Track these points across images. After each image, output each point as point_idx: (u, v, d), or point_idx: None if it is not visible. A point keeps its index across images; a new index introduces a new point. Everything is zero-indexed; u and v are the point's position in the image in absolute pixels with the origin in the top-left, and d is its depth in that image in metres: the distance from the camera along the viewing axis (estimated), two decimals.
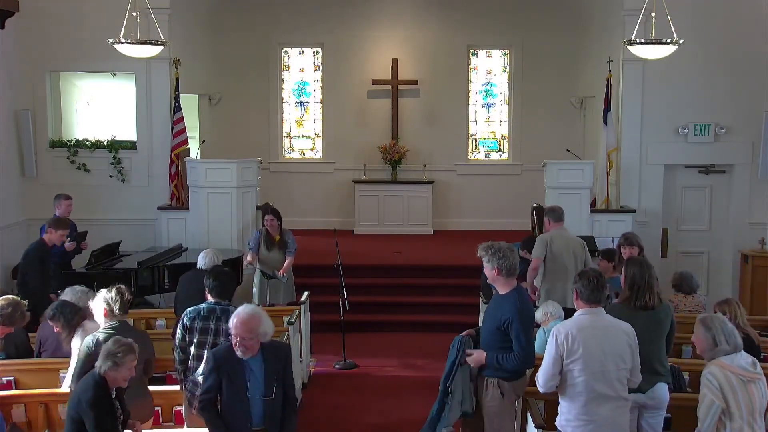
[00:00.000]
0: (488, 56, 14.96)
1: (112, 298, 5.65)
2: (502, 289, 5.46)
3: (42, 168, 11.27)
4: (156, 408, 5.78)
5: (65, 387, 5.89)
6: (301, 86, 15.00)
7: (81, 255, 9.27)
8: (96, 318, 5.74)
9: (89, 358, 5.20)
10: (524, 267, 7.58)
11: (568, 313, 6.38)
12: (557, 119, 14.41)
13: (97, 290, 5.87)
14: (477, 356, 5.45)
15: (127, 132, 11.69)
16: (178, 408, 5.86)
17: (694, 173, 11.49)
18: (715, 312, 6.43)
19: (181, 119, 11.29)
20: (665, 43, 9.22)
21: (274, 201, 11.45)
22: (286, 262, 9.18)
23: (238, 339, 4.71)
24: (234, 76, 14.34)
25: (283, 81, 14.93)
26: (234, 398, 4.79)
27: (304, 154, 15.13)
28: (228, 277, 5.76)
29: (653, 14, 9.11)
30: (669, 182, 11.41)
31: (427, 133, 14.58)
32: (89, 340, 5.47)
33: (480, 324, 6.09)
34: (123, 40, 9.26)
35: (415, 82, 14.51)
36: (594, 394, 4.80)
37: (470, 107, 14.96)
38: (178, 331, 5.63)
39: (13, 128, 10.95)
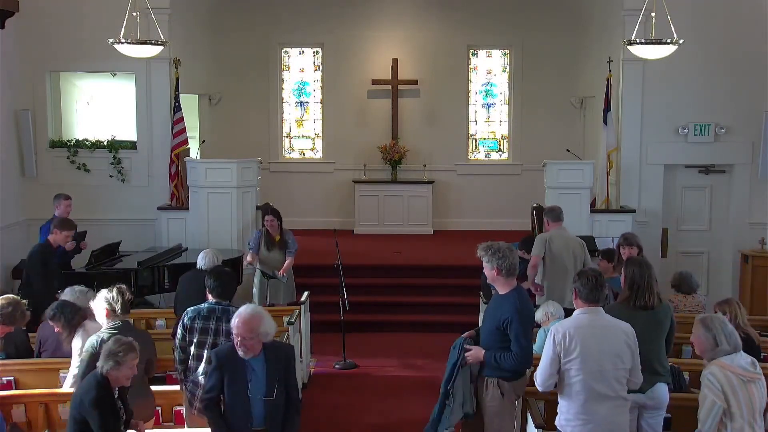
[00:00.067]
0: (488, 56, 14.96)
1: (113, 298, 5.66)
2: (501, 289, 5.46)
3: (42, 168, 11.27)
4: (156, 408, 5.78)
5: (67, 387, 5.89)
6: (301, 86, 15.00)
7: (81, 255, 9.27)
8: (97, 318, 5.75)
9: (93, 359, 5.20)
10: (523, 267, 7.59)
11: (568, 313, 6.38)
12: (557, 119, 14.41)
13: (97, 290, 5.88)
14: (475, 352, 5.45)
15: (127, 132, 11.70)
16: (178, 408, 5.86)
17: (694, 173, 11.50)
18: (716, 312, 6.43)
19: (181, 119, 11.29)
20: (665, 43, 9.22)
21: (274, 201, 11.45)
22: (287, 262, 9.18)
23: (239, 338, 4.71)
24: (234, 76, 14.34)
25: (283, 81, 14.93)
26: (235, 398, 4.79)
27: (304, 154, 15.13)
28: (229, 277, 5.77)
29: (653, 14, 9.11)
30: (669, 182, 11.41)
31: (427, 133, 14.58)
32: (93, 339, 5.48)
33: (480, 324, 6.10)
34: (123, 40, 9.26)
35: (415, 82, 14.52)
36: (592, 393, 4.80)
37: (470, 107, 14.96)
38: (179, 331, 5.63)
39: (13, 128, 10.96)
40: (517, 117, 14.80)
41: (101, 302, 5.67)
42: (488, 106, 15.03)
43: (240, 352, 4.74)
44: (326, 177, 14.67)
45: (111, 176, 11.32)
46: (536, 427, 5.29)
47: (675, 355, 6.77)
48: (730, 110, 11.12)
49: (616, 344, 4.84)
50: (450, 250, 12.56)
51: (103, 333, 5.51)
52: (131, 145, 11.44)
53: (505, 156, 15.04)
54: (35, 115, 11.20)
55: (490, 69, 14.97)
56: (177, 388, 5.89)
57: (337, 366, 9.07)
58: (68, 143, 11.41)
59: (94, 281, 8.01)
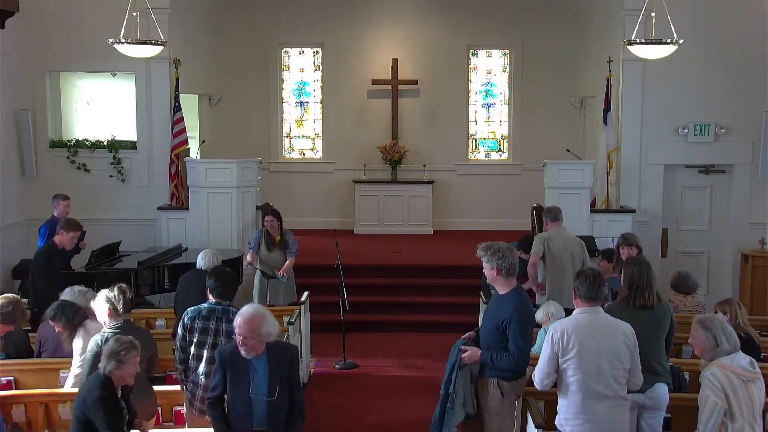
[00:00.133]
0: (488, 56, 14.96)
1: (115, 297, 5.66)
2: (501, 289, 5.46)
3: (42, 168, 11.27)
4: (157, 408, 5.78)
5: (68, 387, 5.90)
6: (301, 86, 15.00)
7: (81, 255, 9.26)
8: (99, 318, 5.74)
9: (97, 358, 5.21)
10: (522, 267, 7.59)
11: (568, 313, 6.37)
12: (557, 119, 14.41)
13: (97, 290, 5.88)
14: (471, 353, 5.46)
15: (127, 132, 11.70)
16: (178, 408, 5.86)
17: (694, 173, 11.50)
18: (716, 312, 6.45)
19: (181, 119, 11.29)
20: (665, 43, 9.22)
21: (274, 201, 11.45)
22: (287, 262, 9.17)
23: (241, 338, 4.71)
24: (234, 76, 14.34)
25: (283, 81, 14.93)
26: (236, 397, 4.79)
27: (304, 154, 15.13)
28: (229, 277, 5.76)
29: (653, 14, 9.11)
30: (669, 182, 11.41)
31: (427, 133, 14.58)
32: (97, 339, 5.49)
33: (480, 324, 6.10)
34: (123, 40, 9.26)
35: (415, 82, 14.52)
36: (590, 392, 4.80)
37: (470, 107, 14.96)
38: (179, 330, 5.63)
39: (13, 128, 10.96)
40: (517, 117, 14.79)
41: (103, 302, 5.66)
42: (488, 106, 15.03)
43: (242, 352, 4.74)
44: (326, 177, 14.67)
45: (111, 176, 11.32)
46: (536, 427, 5.29)
47: (675, 355, 6.77)
48: (730, 110, 11.12)
49: (614, 344, 4.84)
50: (450, 250, 12.56)
51: (106, 332, 5.51)
52: (131, 145, 11.44)
53: (505, 156, 15.04)
54: (35, 115, 11.20)
55: (490, 69, 14.97)
56: (177, 388, 5.88)
57: (337, 366, 9.07)
58: (68, 143, 11.41)
59: (94, 281, 8.01)
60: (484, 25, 14.46)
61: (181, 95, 11.39)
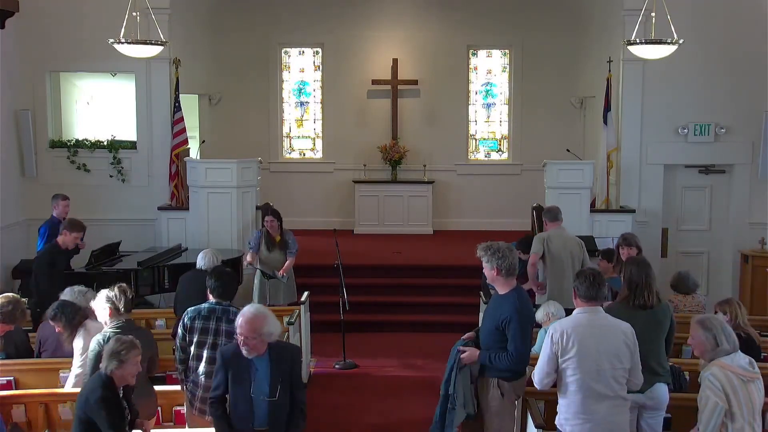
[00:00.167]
0: (488, 56, 14.96)
1: (116, 297, 5.67)
2: (501, 289, 5.46)
3: (42, 168, 11.27)
4: (157, 407, 5.78)
5: (69, 387, 5.90)
6: (301, 86, 15.00)
7: (81, 255, 9.26)
8: (100, 318, 5.74)
9: (100, 358, 5.21)
10: (522, 267, 7.59)
11: (569, 313, 6.38)
12: (557, 119, 14.41)
13: (97, 290, 5.88)
14: (470, 353, 5.47)
15: (127, 132, 11.70)
16: (179, 408, 5.86)
17: (694, 173, 11.50)
18: (716, 312, 6.45)
19: (181, 119, 11.29)
20: (665, 43, 9.22)
21: (274, 201, 11.45)
22: (287, 262, 9.16)
23: (242, 338, 4.71)
24: (234, 76, 14.34)
25: (283, 81, 14.93)
26: (238, 397, 4.79)
27: (304, 154, 15.13)
28: (230, 277, 5.76)
29: (653, 14, 9.11)
30: (669, 182, 11.41)
31: (427, 133, 14.58)
32: (99, 338, 5.49)
33: (480, 324, 6.10)
34: (123, 40, 9.27)
35: (415, 82, 14.52)
36: (590, 392, 4.80)
37: (470, 107, 14.96)
38: (179, 330, 5.63)
39: (13, 128, 10.96)
40: (517, 117, 14.79)
41: (104, 302, 5.67)
42: (488, 106, 15.03)
43: (244, 351, 4.74)
44: (326, 177, 14.67)
45: (111, 176, 11.32)
46: (536, 427, 5.29)
47: (675, 355, 6.77)
48: (730, 110, 11.13)
49: (614, 344, 4.84)
50: (450, 250, 12.56)
51: (108, 332, 5.52)
52: (131, 145, 11.44)
53: (505, 156, 15.04)
54: (35, 115, 11.20)
55: (490, 69, 14.97)
56: (177, 388, 5.89)
57: (337, 366, 9.07)
58: (68, 143, 11.41)
59: (94, 281, 8.01)
60: (484, 25, 14.46)
61: (181, 95, 11.39)
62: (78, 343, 5.91)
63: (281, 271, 9.03)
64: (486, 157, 15.11)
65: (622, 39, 10.36)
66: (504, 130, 15.03)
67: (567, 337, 4.82)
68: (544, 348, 4.95)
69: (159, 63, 10.97)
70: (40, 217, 9.73)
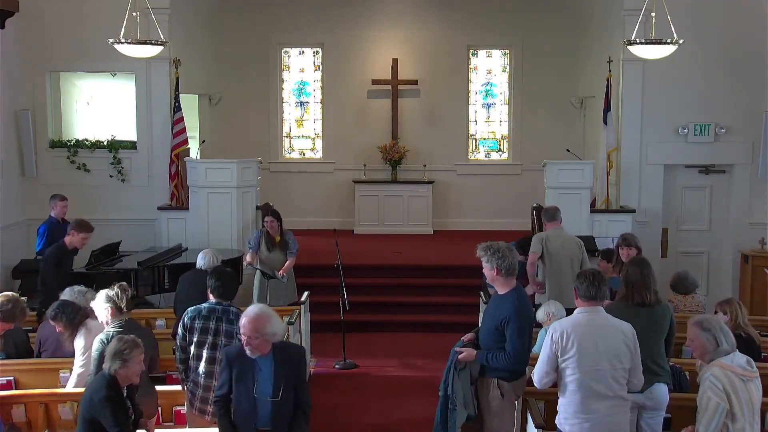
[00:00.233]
0: (488, 56, 14.96)
1: (117, 296, 5.68)
2: (501, 289, 5.46)
3: (42, 168, 11.28)
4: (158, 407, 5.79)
5: (70, 386, 5.91)
6: (301, 86, 15.00)
7: (81, 255, 9.25)
8: (101, 318, 5.74)
9: (104, 357, 5.22)
10: (521, 268, 7.59)
11: (569, 313, 6.38)
12: (557, 119, 14.41)
13: (97, 290, 5.88)
14: (467, 353, 5.47)
15: (127, 132, 11.70)
16: (179, 408, 5.86)
17: (694, 173, 11.50)
18: (716, 312, 6.45)
19: (181, 119, 11.29)
20: (665, 43, 9.22)
21: (274, 201, 11.45)
22: (287, 262, 9.15)
23: (245, 338, 4.71)
24: (234, 76, 14.34)
25: (283, 81, 14.92)
26: (241, 396, 4.80)
27: (304, 154, 15.13)
28: (230, 277, 5.76)
29: (653, 14, 9.12)
30: (669, 182, 11.41)
31: (427, 133, 14.58)
32: (102, 338, 5.50)
33: (480, 324, 6.10)
34: (123, 40, 9.27)
35: (415, 82, 14.52)
36: (589, 392, 4.80)
37: (470, 107, 14.96)
38: (179, 330, 5.63)
39: (13, 128, 10.96)
40: (517, 117, 14.79)
41: (104, 302, 5.67)
42: (488, 106, 15.03)
43: (247, 351, 4.74)
44: (326, 177, 14.67)
45: (111, 176, 11.32)
46: (536, 427, 5.29)
47: (675, 355, 6.76)
48: (730, 110, 11.13)
49: (613, 343, 4.84)
50: (450, 250, 12.55)
51: (110, 331, 5.53)
52: (131, 145, 11.44)
53: (505, 156, 15.04)
54: (35, 115, 11.20)
55: (490, 69, 14.96)
56: (177, 388, 5.89)
57: (337, 366, 9.07)
58: (68, 143, 11.41)
59: (94, 281, 8.01)
60: (484, 25, 14.46)
61: (181, 95, 11.39)
62: (79, 343, 5.91)
63: (281, 271, 9.03)
64: (486, 157, 15.11)
65: (622, 39, 10.36)
66: (504, 130, 15.03)
67: (567, 337, 4.82)
68: (544, 347, 4.95)
69: (159, 63, 10.97)
70: (40, 217, 9.73)
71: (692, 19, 10.57)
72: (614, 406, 4.84)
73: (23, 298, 6.60)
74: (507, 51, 14.85)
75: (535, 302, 7.97)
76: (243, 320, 4.74)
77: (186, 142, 11.42)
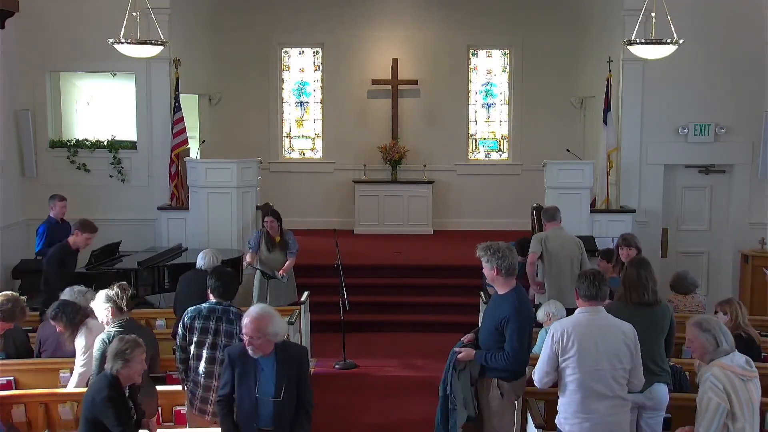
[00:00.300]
0: (488, 56, 14.96)
1: (117, 295, 5.69)
2: (501, 289, 5.46)
3: (42, 168, 11.27)
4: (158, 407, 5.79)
5: (72, 386, 5.91)
6: (301, 86, 15.00)
7: (81, 255, 9.24)
8: (101, 319, 5.74)
9: (105, 357, 5.22)
10: (520, 269, 7.59)
11: (569, 313, 6.38)
12: (557, 119, 14.41)
13: (97, 291, 5.88)
14: (466, 352, 5.47)
15: (127, 132, 11.70)
16: (179, 408, 5.86)
17: (694, 173, 11.50)
18: (716, 312, 6.45)
19: (181, 119, 11.29)
20: (665, 43, 9.22)
21: (274, 201, 11.45)
22: (287, 262, 9.15)
23: (247, 338, 4.71)
24: (234, 76, 14.34)
25: (283, 81, 14.92)
26: (243, 396, 4.80)
27: (304, 154, 15.12)
28: (230, 277, 5.77)
29: (653, 14, 9.12)
30: (669, 182, 11.41)
31: (427, 133, 14.58)
32: (103, 337, 5.50)
33: (480, 324, 6.10)
34: (123, 40, 9.27)
35: (415, 82, 14.51)
36: (589, 392, 4.80)
37: (470, 107, 14.96)
38: (179, 330, 5.64)
39: (13, 128, 10.96)
40: (517, 117, 14.79)
41: (105, 302, 5.67)
42: (488, 106, 15.03)
43: (249, 351, 4.74)
44: (326, 177, 14.67)
45: (111, 176, 11.32)
46: (536, 427, 5.29)
47: (675, 355, 6.75)
48: (730, 110, 11.13)
49: (614, 344, 4.84)
50: (450, 250, 12.55)
51: (112, 331, 5.53)
52: (131, 145, 11.44)
53: (505, 156, 15.04)
54: (35, 115, 11.20)
55: (490, 69, 14.96)
56: (177, 388, 5.89)
57: (337, 366, 9.07)
58: (68, 143, 11.41)
59: (93, 281, 8.01)
60: (484, 25, 14.46)
61: (181, 95, 11.39)
62: (80, 342, 5.92)
63: (281, 272, 9.02)
64: (486, 157, 15.11)
65: (622, 39, 10.36)
66: (504, 130, 15.03)
67: (567, 337, 4.83)
68: (544, 347, 4.96)
69: (159, 63, 10.97)
70: (40, 217, 9.72)
71: (692, 19, 10.57)
72: (614, 406, 4.84)
73: (23, 297, 6.60)
74: (507, 51, 14.85)
75: (535, 302, 7.97)
76: (245, 320, 4.74)
77: (186, 142, 11.42)
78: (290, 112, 15.04)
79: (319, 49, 14.78)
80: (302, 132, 15.10)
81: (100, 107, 12.73)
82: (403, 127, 14.52)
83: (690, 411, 5.03)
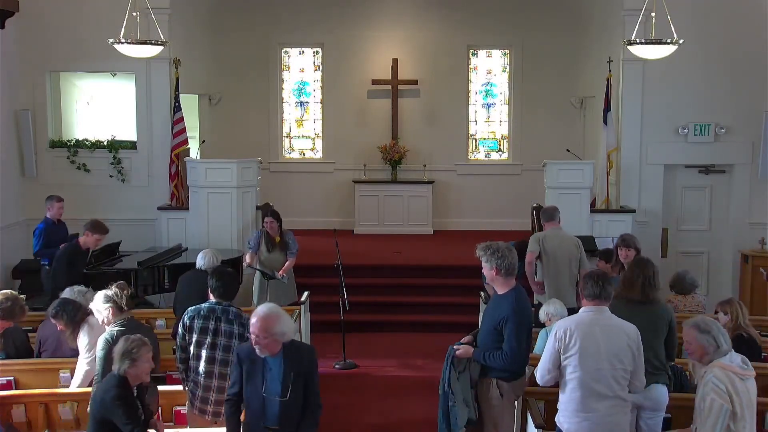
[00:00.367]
0: (488, 56, 14.96)
1: (117, 295, 5.69)
2: (500, 289, 5.46)
3: (42, 168, 11.28)
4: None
5: (75, 385, 5.91)
6: (301, 86, 15.00)
7: None
8: (101, 319, 5.73)
9: (109, 357, 5.22)
10: (521, 269, 7.58)
11: (568, 313, 6.39)
12: (557, 119, 14.41)
13: (96, 291, 5.88)
14: (464, 350, 5.48)
15: (127, 132, 11.70)
16: (179, 408, 5.86)
17: (694, 173, 11.50)
18: (716, 312, 6.46)
19: (181, 119, 11.29)
20: (665, 43, 9.22)
21: (274, 201, 11.45)
22: (287, 262, 9.14)
23: (254, 337, 4.71)
24: (234, 76, 14.34)
25: (283, 81, 14.92)
26: (250, 394, 4.81)
27: (304, 154, 15.12)
28: (231, 278, 5.76)
29: (653, 14, 9.12)
30: (669, 182, 11.41)
31: (427, 133, 14.58)
32: (106, 337, 5.51)
33: (480, 324, 6.10)
34: (123, 40, 9.27)
35: (415, 82, 14.51)
36: (589, 391, 4.81)
37: (470, 107, 14.96)
38: (179, 330, 5.63)
39: (13, 128, 10.96)
40: (517, 117, 14.79)
41: (105, 302, 5.67)
42: (488, 106, 15.03)
43: (256, 351, 4.74)
44: (326, 177, 14.67)
45: (111, 176, 11.32)
46: (536, 427, 5.30)
47: (676, 355, 6.75)
48: (730, 110, 11.12)
49: (615, 344, 4.84)
50: (450, 250, 12.55)
51: (114, 330, 5.54)
52: (131, 145, 11.44)
53: (505, 156, 15.04)
54: (35, 115, 11.20)
55: (490, 69, 14.96)
56: (177, 388, 5.89)
57: (337, 366, 9.07)
58: (68, 143, 11.41)
59: (93, 281, 8.00)
60: (484, 25, 14.46)
61: (181, 95, 11.39)
62: (83, 340, 5.92)
63: (281, 272, 9.01)
64: (486, 157, 15.11)
65: (622, 39, 10.36)
66: (504, 130, 15.03)
67: (569, 335, 4.84)
68: (547, 344, 4.99)
69: (159, 63, 10.97)
70: (41, 217, 9.72)
71: (692, 19, 10.57)
72: (614, 406, 4.84)
73: (22, 296, 6.60)
74: (507, 51, 14.85)
75: (534, 302, 7.98)
76: (252, 319, 4.74)
77: (186, 142, 11.42)
78: (290, 112, 15.04)
79: (319, 49, 14.78)
80: (302, 132, 15.09)
81: (100, 107, 12.73)
82: (403, 127, 14.52)
83: (690, 411, 5.02)
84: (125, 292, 5.76)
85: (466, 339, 5.69)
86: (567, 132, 14.13)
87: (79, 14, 11.01)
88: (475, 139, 15.06)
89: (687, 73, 11.02)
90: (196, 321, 5.54)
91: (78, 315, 6.00)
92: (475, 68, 14.93)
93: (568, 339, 4.83)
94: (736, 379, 4.54)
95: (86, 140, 11.48)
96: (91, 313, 5.94)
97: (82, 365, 5.91)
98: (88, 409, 5.19)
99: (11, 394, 5.94)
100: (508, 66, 14.88)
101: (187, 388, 5.66)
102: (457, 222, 14.51)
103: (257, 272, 9.15)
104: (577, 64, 14.09)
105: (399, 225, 14.04)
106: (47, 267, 8.94)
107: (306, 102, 15.02)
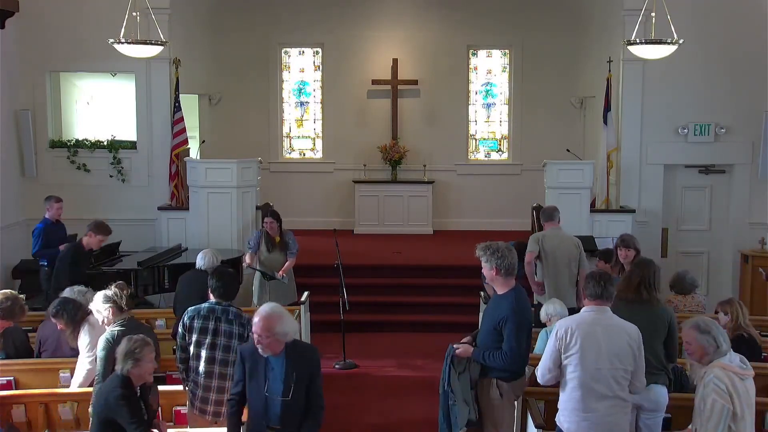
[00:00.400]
0: (488, 56, 14.96)
1: (116, 294, 5.70)
2: (500, 289, 5.46)
3: (42, 168, 11.28)
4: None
5: (76, 384, 5.91)
6: (301, 86, 15.00)
7: None
8: (101, 319, 5.73)
9: (110, 357, 5.23)
10: (521, 269, 7.59)
11: (569, 313, 6.40)
12: (557, 119, 14.41)
13: (96, 291, 5.88)
14: (464, 348, 5.48)
15: (127, 132, 11.70)
16: (179, 408, 5.86)
17: (694, 173, 11.50)
18: (717, 312, 6.46)
19: (181, 119, 11.29)
20: (665, 43, 9.22)
21: (274, 201, 11.45)
22: (287, 263, 9.13)
23: (256, 336, 4.71)
24: (234, 76, 14.34)
25: (283, 81, 14.92)
26: (252, 394, 4.81)
27: (304, 154, 15.13)
28: (231, 278, 5.76)
29: (653, 14, 9.12)
30: (669, 182, 11.41)
31: (427, 133, 14.58)
32: (107, 337, 5.51)
33: (480, 324, 6.10)
34: (123, 40, 9.27)
35: (415, 82, 14.51)
36: (589, 391, 4.81)
37: (470, 107, 14.96)
38: (179, 330, 5.64)
39: (13, 128, 10.96)
40: (517, 117, 14.79)
41: (105, 303, 5.67)
42: (488, 106, 15.03)
43: (259, 350, 4.74)
44: (326, 177, 14.67)
45: (111, 176, 11.32)
46: (536, 427, 5.30)
47: (677, 356, 6.75)
48: (730, 110, 11.13)
49: (616, 344, 4.84)
50: (450, 250, 12.55)
51: (115, 330, 5.54)
52: (131, 145, 11.44)
53: (505, 156, 15.04)
54: (35, 115, 11.20)
55: (490, 69, 14.96)
56: (177, 388, 5.89)
57: (337, 366, 9.07)
58: (68, 143, 11.41)
59: (93, 281, 8.00)
60: (484, 25, 14.46)
61: (181, 95, 11.39)
62: (84, 340, 5.92)
63: (281, 272, 9.00)
64: (486, 157, 15.11)
65: (622, 39, 10.36)
66: (504, 130, 15.03)
67: (570, 334, 4.85)
68: (548, 343, 5.00)
69: (159, 63, 10.97)
70: (40, 217, 9.70)
71: (692, 19, 10.57)
72: (614, 406, 4.84)
73: (22, 296, 6.60)
74: (507, 51, 14.85)
75: (534, 302, 7.97)
76: (255, 319, 4.74)
77: (186, 142, 11.42)
78: (290, 112, 15.04)
79: (319, 49, 14.78)
80: (302, 132, 15.10)
81: (100, 107, 12.73)
82: (403, 127, 14.52)
83: (690, 411, 5.01)
84: (125, 292, 5.76)
85: (465, 339, 5.69)
86: (567, 132, 14.13)
87: (79, 14, 11.01)
88: (475, 139, 15.06)
89: (687, 73, 11.02)
90: (196, 321, 5.54)
91: (78, 314, 6.01)
92: (475, 68, 14.93)
93: (569, 338, 4.84)
94: (736, 379, 4.53)
95: (86, 140, 11.48)
96: (91, 312, 5.94)
97: (82, 365, 5.92)
98: (90, 409, 5.19)
99: (11, 394, 5.94)
100: (508, 66, 14.89)
101: (187, 388, 5.67)
102: (457, 222, 14.51)
103: (257, 273, 9.14)
104: (577, 64, 14.09)
105: (399, 225, 14.04)
106: (46, 267, 8.94)
107: (306, 102, 15.02)
